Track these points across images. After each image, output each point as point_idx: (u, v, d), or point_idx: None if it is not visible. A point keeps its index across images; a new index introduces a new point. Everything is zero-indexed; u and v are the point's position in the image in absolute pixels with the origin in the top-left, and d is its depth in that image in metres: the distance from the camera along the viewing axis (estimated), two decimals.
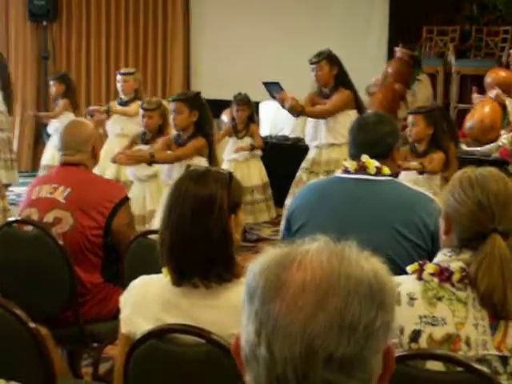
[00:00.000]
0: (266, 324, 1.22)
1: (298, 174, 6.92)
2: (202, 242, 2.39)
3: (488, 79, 8.28)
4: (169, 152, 5.48)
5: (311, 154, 6.81)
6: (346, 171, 3.36)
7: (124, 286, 2.66)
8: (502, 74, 8.35)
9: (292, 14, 10.75)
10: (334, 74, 6.49)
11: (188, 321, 2.40)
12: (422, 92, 8.70)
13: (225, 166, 7.29)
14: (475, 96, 8.25)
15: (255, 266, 1.28)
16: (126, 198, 3.97)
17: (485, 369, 2.18)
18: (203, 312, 2.40)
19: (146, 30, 11.34)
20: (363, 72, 6.79)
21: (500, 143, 7.62)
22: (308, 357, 1.18)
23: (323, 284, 1.21)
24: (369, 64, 6.72)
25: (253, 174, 7.36)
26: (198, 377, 2.39)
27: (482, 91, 8.37)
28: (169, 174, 5.53)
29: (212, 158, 5.45)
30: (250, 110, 7.38)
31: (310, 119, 6.76)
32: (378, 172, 3.31)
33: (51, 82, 8.65)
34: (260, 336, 1.22)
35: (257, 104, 9.18)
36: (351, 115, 6.34)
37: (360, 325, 1.20)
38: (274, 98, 8.68)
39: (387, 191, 3.29)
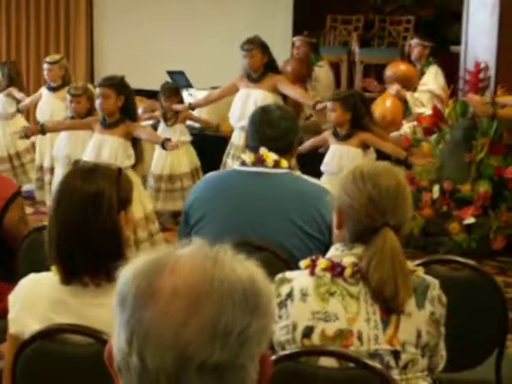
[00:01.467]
0: (137, 332, 1.18)
1: (223, 160, 6.93)
2: (90, 239, 2.34)
3: (388, 72, 8.37)
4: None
5: (236, 138, 6.85)
6: (244, 164, 3.35)
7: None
8: (402, 67, 8.44)
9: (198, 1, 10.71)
10: (264, 61, 6.66)
11: (78, 320, 2.34)
12: (323, 78, 8.76)
13: (156, 152, 7.29)
14: (373, 85, 8.34)
15: (127, 272, 1.24)
16: (18, 193, 3.87)
17: (376, 364, 2.18)
18: (93, 311, 2.34)
19: (48, 19, 11.14)
20: None
21: (402, 132, 7.72)
22: (181, 365, 1.16)
23: (195, 290, 1.18)
24: (274, 53, 6.77)
25: (182, 161, 7.31)
26: (88, 376, 2.33)
27: (381, 81, 8.48)
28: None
29: (137, 142, 5.49)
30: (178, 98, 7.32)
31: (237, 97, 6.82)
32: (276, 165, 3.31)
33: None
34: (131, 345, 1.19)
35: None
36: (278, 99, 6.51)
37: (234, 331, 1.17)
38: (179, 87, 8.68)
39: (284, 184, 3.29)
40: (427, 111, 7.65)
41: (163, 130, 7.35)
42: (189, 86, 8.39)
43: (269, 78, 6.68)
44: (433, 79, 8.21)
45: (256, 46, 6.64)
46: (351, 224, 2.34)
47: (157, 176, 7.29)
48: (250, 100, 6.68)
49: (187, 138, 7.37)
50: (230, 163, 6.76)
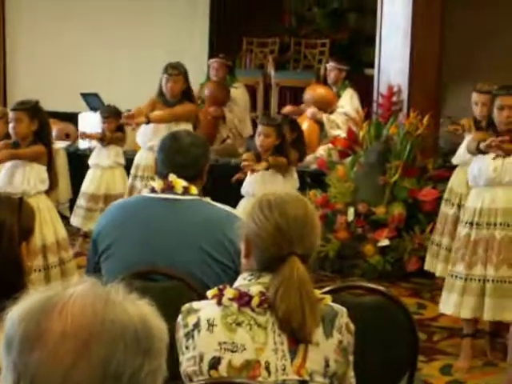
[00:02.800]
0: (24, 375, 1.15)
1: (129, 182, 6.94)
2: None
3: (306, 96, 8.45)
4: (6, 151, 5.41)
5: (143, 158, 6.88)
6: (153, 191, 3.32)
7: None
8: (320, 90, 8.54)
9: (115, 23, 10.65)
10: (183, 89, 6.67)
11: None
12: (240, 100, 8.80)
13: (90, 171, 7.37)
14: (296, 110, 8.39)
15: (14, 313, 1.20)
16: None
17: None
18: None
19: None
20: None
21: (318, 155, 7.78)
22: None
23: (85, 331, 1.15)
24: (190, 75, 6.78)
25: (117, 182, 7.27)
26: None
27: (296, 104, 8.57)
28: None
29: (51, 167, 5.41)
30: (117, 121, 7.26)
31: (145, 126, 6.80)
32: (186, 191, 3.28)
33: None
34: None
35: (75, 115, 9.02)
36: (190, 127, 6.51)
37: (125, 373, 1.14)
38: (92, 109, 8.61)
39: (193, 211, 3.27)
40: (342, 133, 7.73)
41: (99, 151, 7.37)
42: (100, 106, 8.32)
43: (187, 104, 6.71)
44: (348, 102, 8.32)
45: (181, 72, 6.66)
46: (258, 252, 2.32)
47: (90, 196, 7.33)
48: (162, 127, 6.66)
49: (121, 160, 7.37)
50: (139, 185, 6.75)
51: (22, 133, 5.32)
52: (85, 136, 7.48)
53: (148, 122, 6.60)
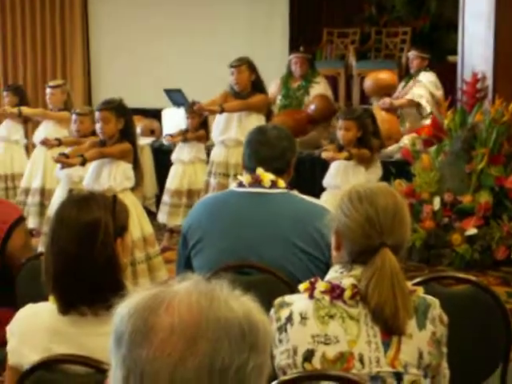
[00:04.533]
0: (133, 371, 1.18)
1: (205, 179, 7.01)
2: (87, 269, 2.33)
3: (367, 82, 8.40)
4: (94, 150, 5.53)
5: (216, 155, 6.95)
6: (241, 185, 3.35)
7: (18, 310, 2.58)
8: (382, 76, 8.46)
9: (194, 16, 10.73)
10: (251, 80, 6.74)
11: (78, 350, 2.33)
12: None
13: (173, 167, 7.49)
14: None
15: (122, 310, 1.24)
16: (22, 219, 3.84)
17: None
18: (93, 340, 2.33)
19: (44, 35, 11.18)
20: (265, 75, 6.92)
21: (402, 144, 7.72)
22: None
23: (191, 328, 1.18)
24: (271, 68, 6.81)
25: (199, 178, 7.39)
26: None
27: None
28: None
29: (137, 164, 5.51)
30: (200, 118, 7.39)
31: (220, 115, 6.92)
32: (273, 185, 3.30)
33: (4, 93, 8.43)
34: (128, 383, 1.18)
35: (159, 111, 9.14)
36: (261, 120, 6.60)
37: (231, 369, 1.16)
38: (177, 105, 8.70)
39: (282, 204, 3.28)
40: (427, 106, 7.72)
41: (181, 146, 7.46)
42: (185, 103, 8.38)
43: (259, 95, 6.78)
44: (429, 82, 8.29)
45: (243, 62, 6.76)
46: (349, 245, 2.33)
47: (174, 191, 7.42)
48: (233, 118, 6.79)
49: (202, 155, 7.46)
50: (213, 182, 6.84)
51: (109, 132, 5.39)
52: (170, 139, 7.56)
53: (221, 110, 6.74)
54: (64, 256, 2.35)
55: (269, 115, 6.86)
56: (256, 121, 6.46)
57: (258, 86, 6.80)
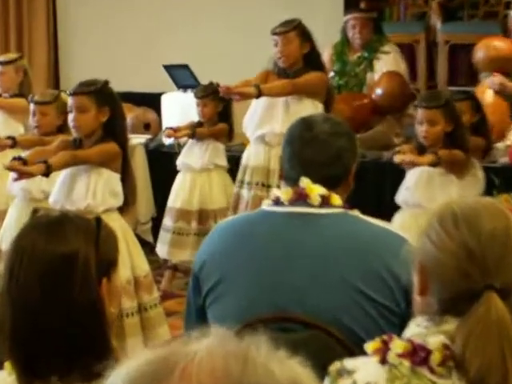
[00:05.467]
0: None
1: (234, 191, 7.06)
2: (58, 321, 2.36)
3: (479, 54, 8.37)
4: (64, 153, 5.51)
5: (251, 157, 6.97)
6: (277, 202, 3.36)
7: None
8: (499, 44, 8.44)
9: None
10: (303, 52, 6.75)
11: None
12: (393, 69, 8.74)
13: (179, 177, 7.63)
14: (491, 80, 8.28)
15: (118, 377, 1.24)
16: None
17: None
18: None
19: None
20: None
21: (508, 142, 7.70)
22: None
23: None
24: (317, 34, 6.76)
25: (215, 192, 7.43)
26: None
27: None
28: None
29: (126, 173, 5.54)
30: (218, 105, 7.59)
31: (257, 100, 6.85)
32: (325, 202, 3.31)
33: None
34: None
35: (157, 97, 9.18)
36: (317, 108, 6.58)
37: None
38: (182, 86, 8.75)
39: (338, 229, 3.30)
40: None
41: (190, 147, 7.56)
42: (194, 84, 8.42)
43: (314, 73, 6.75)
44: None
45: (292, 27, 6.72)
46: (439, 287, 2.34)
47: (179, 212, 7.52)
48: (277, 105, 6.77)
49: (221, 160, 7.46)
50: (246, 196, 6.82)
51: (86, 127, 5.41)
52: (172, 134, 7.59)
53: (259, 94, 6.60)
54: (26, 304, 2.37)
55: (329, 102, 6.80)
56: (309, 108, 6.43)
57: (312, 60, 6.80)
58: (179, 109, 8.81)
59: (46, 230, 2.44)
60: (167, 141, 8.06)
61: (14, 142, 6.57)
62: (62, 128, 6.35)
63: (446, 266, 2.32)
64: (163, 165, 8.20)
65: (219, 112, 7.53)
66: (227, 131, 7.56)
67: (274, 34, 6.75)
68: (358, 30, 8.67)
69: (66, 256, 2.38)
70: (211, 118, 7.48)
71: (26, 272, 2.38)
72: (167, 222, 7.60)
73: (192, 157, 7.52)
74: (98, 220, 2.50)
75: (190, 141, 7.59)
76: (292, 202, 3.32)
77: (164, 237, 7.61)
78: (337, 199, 3.32)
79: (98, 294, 2.40)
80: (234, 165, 7.42)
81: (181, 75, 8.81)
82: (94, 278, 2.39)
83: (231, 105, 7.53)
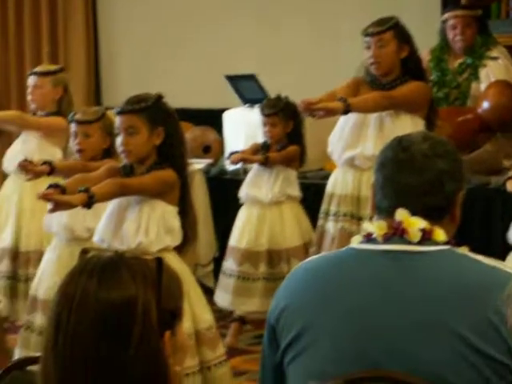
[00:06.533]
0: None
1: (318, 224, 7.10)
2: (113, 381, 2.38)
3: None
4: (110, 181, 5.52)
5: (339, 184, 7.01)
6: (369, 239, 3.36)
7: None
8: None
9: None
10: (401, 57, 6.76)
11: None
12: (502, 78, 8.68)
13: (243, 210, 7.74)
14: None
15: None
16: None
17: None
18: None
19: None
20: None
21: None
22: None
23: None
24: (413, 31, 6.73)
25: (289, 229, 7.43)
26: None
27: None
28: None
29: (185, 206, 5.58)
30: (290, 123, 7.61)
31: (345, 117, 6.84)
32: (426, 238, 3.31)
33: None
34: None
35: (218, 114, 9.21)
36: (417, 125, 6.57)
37: None
38: (247, 101, 8.77)
39: (441, 270, 3.29)
40: None
41: (256, 175, 7.59)
42: (263, 98, 8.40)
43: (413, 84, 6.73)
44: None
45: (389, 26, 6.71)
46: None
47: (244, 252, 7.56)
48: (369, 122, 6.77)
49: (294, 190, 7.48)
50: (332, 230, 6.80)
51: (137, 151, 5.44)
52: (239, 158, 7.56)
53: (347, 110, 6.53)
54: (76, 362, 2.38)
55: (431, 117, 6.80)
56: (408, 126, 6.43)
57: (412, 66, 6.79)
58: (245, 128, 8.81)
59: (99, 274, 2.43)
60: (231, 166, 8.05)
61: (51, 169, 6.49)
62: (109, 152, 6.38)
63: None
64: (226, 194, 8.20)
65: (288, 132, 7.52)
66: (299, 154, 7.56)
67: (366, 34, 6.74)
68: (460, 31, 8.60)
69: (122, 304, 2.38)
70: (281, 139, 7.48)
71: (75, 324, 2.39)
72: (230, 264, 7.59)
73: (259, 187, 7.52)
74: (159, 261, 2.48)
75: (255, 167, 7.59)
76: (387, 238, 3.32)
77: (225, 283, 7.58)
78: (441, 234, 3.31)
79: (161, 349, 2.41)
80: (311, 194, 7.41)
81: (247, 87, 8.81)
82: (155, 330, 2.40)
83: (302, 122, 7.52)
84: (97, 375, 2.38)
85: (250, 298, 7.46)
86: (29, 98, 7.89)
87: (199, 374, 5.45)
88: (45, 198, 5.46)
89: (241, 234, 7.56)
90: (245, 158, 7.58)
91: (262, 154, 7.56)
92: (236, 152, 7.66)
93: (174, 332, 2.48)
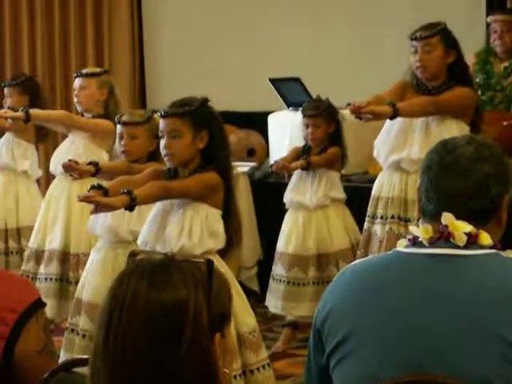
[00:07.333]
0: None
1: (364, 227, 7.09)
2: (164, 382, 2.39)
3: None
4: (153, 184, 5.53)
5: (385, 186, 7.01)
6: (415, 243, 3.36)
7: None
8: None
9: None
10: (448, 62, 6.78)
11: None
12: None
13: (289, 214, 7.70)
14: None
15: None
16: (38, 305, 3.81)
17: None
18: None
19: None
20: None
21: None
22: None
23: None
24: (459, 35, 6.72)
25: (335, 232, 7.43)
26: None
27: None
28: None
29: (230, 209, 5.56)
30: (331, 127, 7.63)
31: (392, 121, 6.85)
32: (472, 241, 3.30)
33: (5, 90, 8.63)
34: None
35: (263, 117, 9.19)
36: (462, 129, 6.59)
37: None
38: (291, 105, 8.77)
39: (488, 274, 3.28)
40: None
41: (299, 179, 7.59)
42: (306, 100, 8.41)
43: (459, 89, 6.73)
44: None
45: (436, 32, 6.72)
46: None
47: (292, 256, 7.57)
48: (415, 127, 6.76)
49: (339, 193, 7.47)
50: (380, 232, 6.79)
51: (181, 154, 5.45)
52: (282, 167, 7.57)
53: (395, 114, 6.54)
54: (126, 364, 2.41)
55: (477, 123, 6.80)
56: (454, 131, 6.44)
57: (458, 72, 6.79)
58: (289, 130, 8.80)
59: (149, 275, 2.45)
60: (276, 171, 8.01)
61: (96, 169, 6.51)
62: (155, 155, 6.36)
63: None
64: (271, 198, 8.17)
65: (329, 134, 7.51)
66: (340, 156, 7.56)
67: (414, 39, 6.75)
68: (499, 35, 8.61)
69: (173, 306, 2.40)
70: (322, 142, 7.47)
71: (126, 325, 2.41)
72: (279, 270, 7.56)
73: (303, 193, 7.50)
74: (210, 263, 2.49)
75: (298, 172, 7.57)
76: (432, 242, 3.31)
77: (275, 288, 7.55)
78: (486, 238, 3.30)
79: (211, 352, 2.42)
80: (357, 198, 7.40)
81: (291, 90, 8.80)
82: (206, 332, 2.41)
83: (342, 124, 7.51)
84: (147, 376, 2.40)
85: (300, 303, 7.44)
86: (75, 99, 7.90)
87: (242, 378, 5.43)
88: (86, 200, 5.49)
89: (288, 239, 7.53)
90: (286, 166, 7.57)
91: (304, 158, 7.56)
92: (277, 162, 7.66)
93: (224, 334, 2.49)
